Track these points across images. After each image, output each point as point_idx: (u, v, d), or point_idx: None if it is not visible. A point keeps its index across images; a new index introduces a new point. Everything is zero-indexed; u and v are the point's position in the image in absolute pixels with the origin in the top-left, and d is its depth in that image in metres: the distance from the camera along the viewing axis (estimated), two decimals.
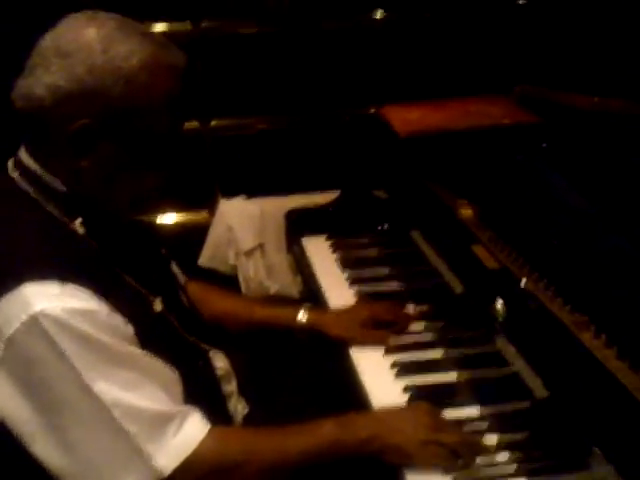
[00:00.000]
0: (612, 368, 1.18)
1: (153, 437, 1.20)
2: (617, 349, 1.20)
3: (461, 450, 1.28)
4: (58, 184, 1.26)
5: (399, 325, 1.67)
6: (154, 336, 1.29)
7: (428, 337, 1.65)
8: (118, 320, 1.21)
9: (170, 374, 1.28)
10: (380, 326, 1.67)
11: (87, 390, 1.16)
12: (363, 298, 1.81)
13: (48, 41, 1.22)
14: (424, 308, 1.73)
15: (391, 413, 1.39)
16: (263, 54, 2.57)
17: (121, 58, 1.19)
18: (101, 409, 1.17)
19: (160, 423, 1.21)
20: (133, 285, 1.31)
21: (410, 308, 1.74)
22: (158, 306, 1.35)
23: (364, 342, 1.63)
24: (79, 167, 1.24)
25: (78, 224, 1.26)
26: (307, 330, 1.68)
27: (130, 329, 1.23)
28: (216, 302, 1.73)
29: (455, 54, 2.57)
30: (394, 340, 1.62)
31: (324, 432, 1.32)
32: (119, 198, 1.29)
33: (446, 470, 1.27)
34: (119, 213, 1.34)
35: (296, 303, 1.76)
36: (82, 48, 1.19)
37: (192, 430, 1.25)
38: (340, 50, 2.59)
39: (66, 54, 1.19)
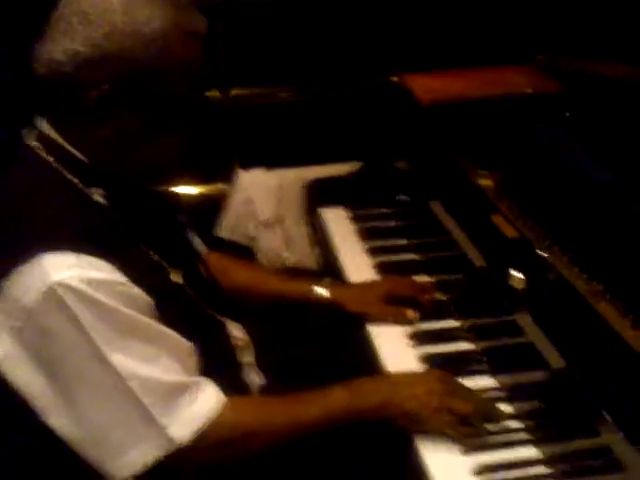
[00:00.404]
0: (628, 337, 1.16)
1: (168, 408, 1.21)
2: (633, 318, 1.19)
3: (474, 419, 1.28)
4: (79, 154, 1.26)
5: (419, 301, 1.65)
6: (172, 307, 1.29)
7: (445, 307, 1.64)
8: (136, 291, 1.21)
9: (185, 345, 1.28)
10: (400, 302, 1.64)
11: (104, 361, 1.16)
12: (383, 272, 1.79)
13: (67, 5, 1.20)
14: (443, 277, 1.73)
15: (404, 378, 1.39)
16: (284, 21, 2.53)
17: (142, 22, 1.18)
18: (117, 380, 1.17)
19: (175, 394, 1.22)
20: (152, 256, 1.32)
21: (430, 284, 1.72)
22: (177, 278, 1.35)
23: (383, 318, 1.61)
24: (100, 136, 1.23)
25: (99, 195, 1.26)
26: (326, 305, 1.67)
27: (148, 300, 1.23)
28: (236, 274, 1.72)
29: (478, 21, 2.52)
30: (413, 315, 1.60)
31: (336, 399, 1.32)
32: (141, 166, 1.28)
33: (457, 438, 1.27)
34: (141, 182, 1.33)
35: (316, 277, 1.75)
36: (102, 12, 1.17)
37: (207, 401, 1.25)
38: (362, 17, 2.55)
39: (86, 18, 1.17)
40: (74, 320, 1.14)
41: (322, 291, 1.67)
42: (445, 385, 1.33)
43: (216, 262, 1.66)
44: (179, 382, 1.23)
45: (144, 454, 1.20)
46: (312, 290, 1.67)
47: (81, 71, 1.18)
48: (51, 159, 1.25)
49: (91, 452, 1.20)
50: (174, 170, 1.36)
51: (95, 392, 1.18)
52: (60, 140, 1.26)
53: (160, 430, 1.20)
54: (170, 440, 1.20)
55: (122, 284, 1.19)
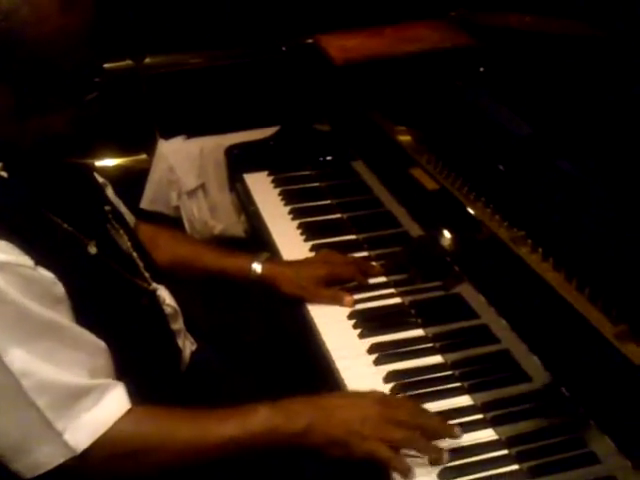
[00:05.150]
0: (549, 279, 1.20)
1: (65, 412, 1.14)
2: (553, 261, 1.22)
3: (413, 445, 1.19)
4: None
5: (358, 281, 1.61)
6: (90, 280, 1.23)
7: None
8: (45, 275, 1.13)
9: (96, 345, 1.20)
10: (337, 284, 1.60)
11: None
12: (309, 233, 1.79)
13: None
14: (366, 235, 1.75)
15: (337, 401, 1.26)
16: None
17: None
18: (10, 378, 1.10)
19: (74, 397, 1.15)
20: (65, 229, 1.23)
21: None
22: (92, 249, 1.26)
23: (318, 302, 1.56)
24: None
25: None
26: (260, 282, 1.61)
27: (59, 286, 1.15)
28: (168, 247, 1.66)
29: None
30: (349, 301, 1.55)
31: (257, 418, 1.22)
32: (30, 141, 1.18)
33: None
34: (40, 156, 1.22)
35: (252, 252, 1.66)
36: None
37: (109, 407, 1.18)
38: None
39: None
40: None
41: (256, 267, 1.61)
42: (383, 409, 1.21)
43: (147, 234, 1.62)
44: (81, 384, 1.16)
45: (46, 457, 1.14)
46: (249, 267, 1.61)
47: None
48: None
49: None
50: (71, 143, 1.22)
51: None
52: None
53: (56, 435, 1.13)
54: (67, 446, 1.14)
55: (28, 267, 1.11)
